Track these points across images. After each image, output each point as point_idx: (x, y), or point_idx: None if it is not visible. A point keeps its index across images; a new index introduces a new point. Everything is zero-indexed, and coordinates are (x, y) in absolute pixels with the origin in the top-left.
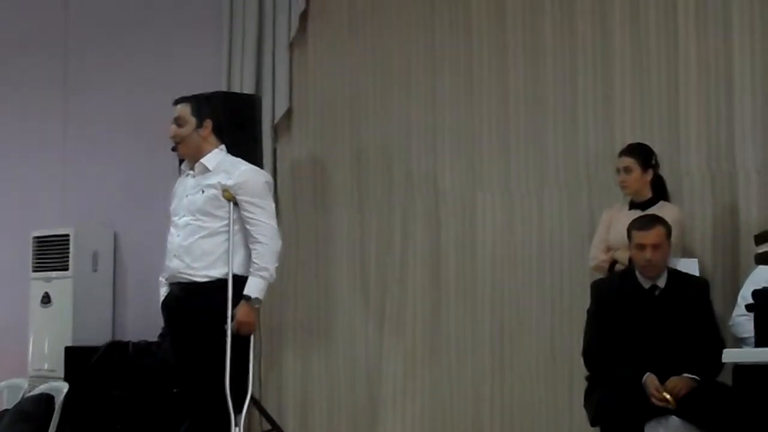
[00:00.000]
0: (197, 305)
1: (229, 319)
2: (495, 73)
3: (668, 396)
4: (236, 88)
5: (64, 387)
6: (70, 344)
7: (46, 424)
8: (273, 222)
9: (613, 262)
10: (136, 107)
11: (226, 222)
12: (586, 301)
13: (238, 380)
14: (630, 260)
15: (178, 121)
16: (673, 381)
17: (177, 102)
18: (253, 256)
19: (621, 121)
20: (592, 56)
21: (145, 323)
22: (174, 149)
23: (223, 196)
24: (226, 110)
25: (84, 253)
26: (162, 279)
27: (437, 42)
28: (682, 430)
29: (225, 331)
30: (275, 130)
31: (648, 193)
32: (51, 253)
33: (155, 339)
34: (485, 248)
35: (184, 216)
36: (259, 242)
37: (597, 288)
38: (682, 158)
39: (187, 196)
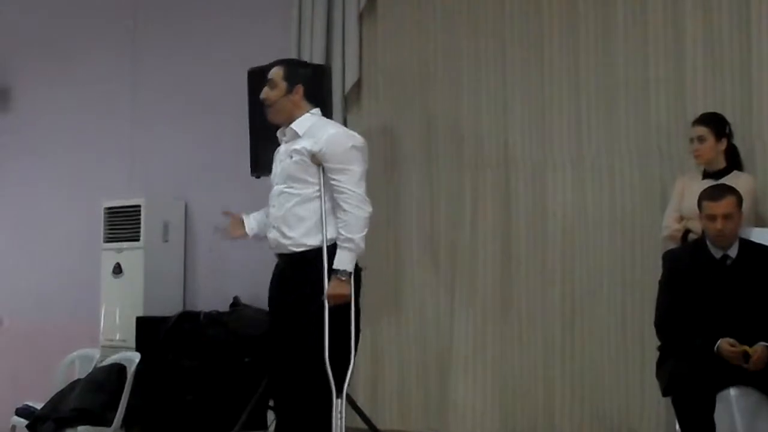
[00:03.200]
0: (296, 277)
1: (325, 290)
2: (566, 43)
3: (746, 348)
4: (306, 58)
5: (136, 357)
6: (141, 314)
7: (117, 394)
8: (359, 189)
9: (686, 232)
10: (206, 78)
11: (318, 187)
12: (657, 272)
13: (338, 353)
14: (702, 230)
15: (270, 84)
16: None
17: (272, 65)
18: (339, 226)
19: (693, 90)
20: (663, 25)
21: (215, 293)
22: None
23: (312, 162)
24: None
25: (155, 223)
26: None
27: (507, 11)
28: (754, 399)
29: (322, 303)
30: (345, 100)
31: (722, 163)
32: (122, 224)
33: (226, 309)
34: (556, 218)
35: (278, 184)
36: (344, 210)
37: (669, 258)
38: (755, 127)
39: (280, 162)
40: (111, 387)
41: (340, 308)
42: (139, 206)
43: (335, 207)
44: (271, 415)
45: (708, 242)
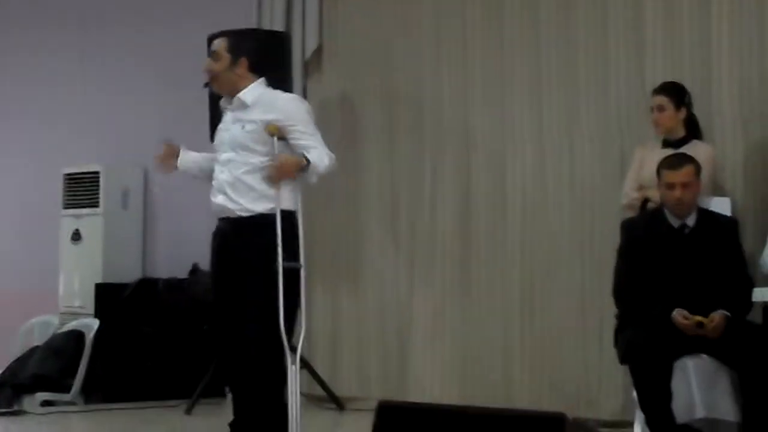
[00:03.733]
0: (244, 241)
1: (279, 258)
2: (526, 20)
3: (699, 318)
4: (266, 26)
5: (95, 323)
6: (100, 281)
7: (76, 360)
8: (323, 147)
9: (645, 201)
10: (165, 44)
11: (267, 158)
12: (616, 243)
13: (290, 317)
14: (661, 199)
15: (214, 56)
16: (709, 317)
17: (214, 36)
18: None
19: (652, 63)
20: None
21: (175, 260)
22: (206, 85)
23: (266, 131)
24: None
25: (114, 190)
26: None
27: None
28: (711, 367)
29: (275, 269)
30: (306, 67)
31: (681, 132)
32: (81, 190)
33: (185, 276)
34: (515, 191)
35: (225, 152)
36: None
37: (627, 226)
38: (714, 98)
39: (227, 130)
40: (70, 353)
41: (291, 276)
42: (98, 173)
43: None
44: None
45: (666, 211)
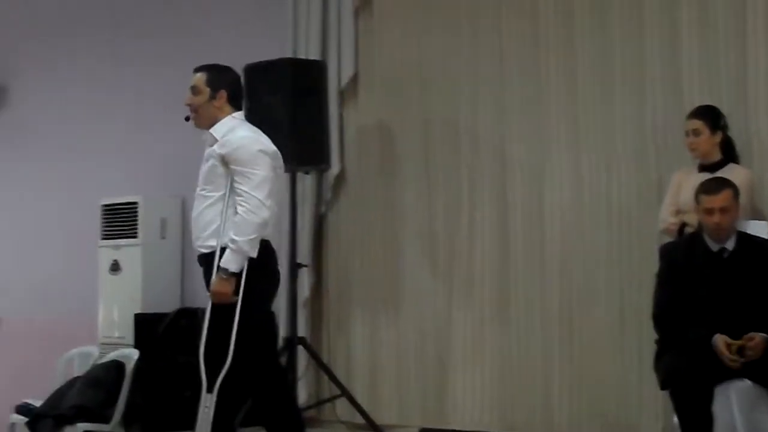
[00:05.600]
0: (205, 277)
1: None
2: (562, 40)
3: (741, 342)
4: (302, 54)
5: (134, 354)
6: (139, 311)
7: (116, 390)
8: (257, 193)
9: (683, 225)
10: None
11: (223, 191)
12: (654, 266)
13: (215, 350)
14: (699, 223)
15: (194, 90)
16: (749, 336)
17: (195, 71)
18: (232, 227)
19: (689, 84)
20: (659, 20)
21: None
22: (188, 119)
23: (222, 164)
24: (292, 77)
25: (152, 220)
26: None
27: (504, 9)
28: (752, 392)
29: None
30: (342, 95)
31: (717, 156)
32: (120, 221)
33: None
34: (553, 214)
35: (197, 188)
36: (238, 213)
37: (666, 251)
38: (751, 120)
39: (201, 168)
40: (110, 384)
41: (225, 307)
42: (136, 203)
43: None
44: None
45: (705, 235)
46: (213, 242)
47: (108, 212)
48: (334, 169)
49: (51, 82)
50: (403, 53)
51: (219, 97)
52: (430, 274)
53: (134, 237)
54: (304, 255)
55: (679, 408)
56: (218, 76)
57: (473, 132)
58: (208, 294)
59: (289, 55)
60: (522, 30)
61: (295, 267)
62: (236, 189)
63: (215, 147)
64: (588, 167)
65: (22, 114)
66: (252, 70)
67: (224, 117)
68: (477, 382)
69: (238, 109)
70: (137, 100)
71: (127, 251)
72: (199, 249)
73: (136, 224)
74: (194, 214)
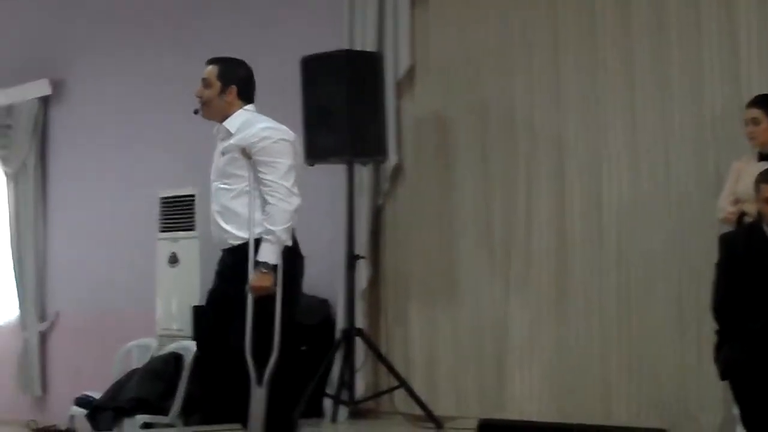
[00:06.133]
0: (234, 269)
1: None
2: (618, 29)
3: None
4: (358, 46)
5: (193, 346)
6: (197, 303)
7: (175, 382)
8: (285, 182)
9: (741, 214)
10: (259, 67)
11: (248, 182)
12: (713, 257)
13: (260, 342)
14: (758, 212)
15: (204, 83)
16: None
17: (208, 63)
18: (263, 218)
19: (747, 73)
20: (717, 8)
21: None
22: (196, 111)
23: (242, 156)
24: (348, 68)
25: (210, 213)
26: None
27: (558, 2)
28: None
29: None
30: (398, 87)
31: None
32: (177, 213)
33: None
34: (611, 205)
35: (214, 181)
36: (269, 203)
37: (725, 241)
38: None
39: (215, 160)
40: (168, 376)
41: (266, 300)
42: (193, 196)
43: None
44: (327, 404)
45: (765, 225)
46: (244, 234)
47: (166, 205)
48: (391, 160)
49: (109, 75)
50: (459, 43)
51: (229, 92)
52: (486, 265)
53: (192, 229)
54: (361, 246)
55: (739, 399)
56: (230, 71)
57: (529, 122)
58: (247, 288)
59: (345, 46)
60: (578, 19)
61: (352, 258)
62: (262, 180)
63: (233, 140)
64: (645, 157)
65: (80, 107)
66: (309, 62)
67: (235, 110)
68: (535, 372)
69: (250, 102)
70: (193, 91)
71: (185, 243)
72: (227, 242)
73: (193, 217)
74: (216, 207)
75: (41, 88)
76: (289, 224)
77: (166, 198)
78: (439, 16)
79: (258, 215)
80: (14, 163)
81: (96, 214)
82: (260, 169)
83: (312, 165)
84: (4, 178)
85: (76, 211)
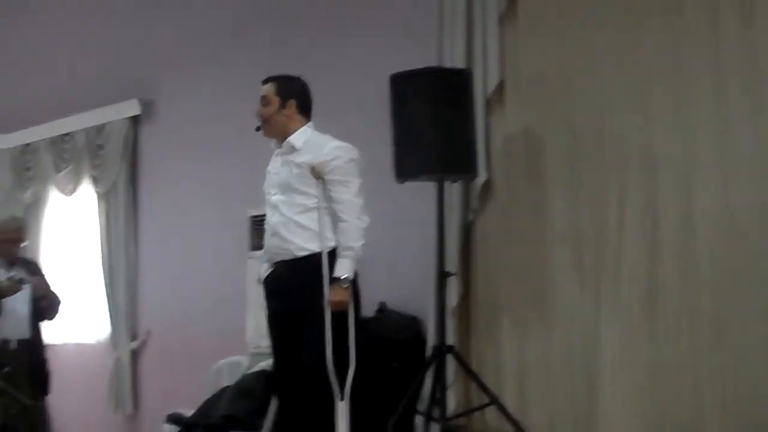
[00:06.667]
0: (298, 282)
1: (326, 296)
2: (707, 41)
3: None
4: (447, 63)
5: None
6: None
7: (266, 400)
8: (357, 199)
9: None
10: (345, 87)
11: (317, 199)
12: None
13: (339, 356)
14: None
15: (263, 101)
16: None
17: (264, 82)
18: (338, 235)
19: None
20: None
21: (363, 300)
22: (258, 129)
23: (311, 174)
24: (438, 85)
25: None
26: (263, 256)
27: (645, 15)
28: None
29: (322, 309)
30: (488, 103)
31: None
32: None
33: (372, 315)
34: (704, 220)
35: (276, 194)
36: (343, 221)
37: None
38: None
39: (276, 174)
40: (259, 393)
41: (340, 313)
42: None
43: (334, 218)
44: (419, 421)
45: None
46: (312, 246)
47: (256, 223)
48: (481, 177)
49: (197, 94)
50: (547, 59)
51: (288, 107)
52: (577, 282)
53: None
54: (452, 263)
55: None
56: (287, 86)
57: (620, 140)
58: (325, 302)
59: (434, 64)
60: (668, 34)
61: (443, 275)
62: (335, 197)
63: (304, 157)
64: (739, 172)
65: (169, 126)
66: (398, 79)
67: (296, 126)
68: (627, 391)
69: (308, 118)
70: None
71: None
72: (292, 253)
73: None
74: (279, 219)
75: (131, 108)
76: (364, 241)
77: (255, 217)
78: (528, 32)
79: (327, 232)
80: (105, 183)
81: (186, 233)
82: (332, 187)
83: (402, 183)
84: (96, 198)
85: (167, 230)
